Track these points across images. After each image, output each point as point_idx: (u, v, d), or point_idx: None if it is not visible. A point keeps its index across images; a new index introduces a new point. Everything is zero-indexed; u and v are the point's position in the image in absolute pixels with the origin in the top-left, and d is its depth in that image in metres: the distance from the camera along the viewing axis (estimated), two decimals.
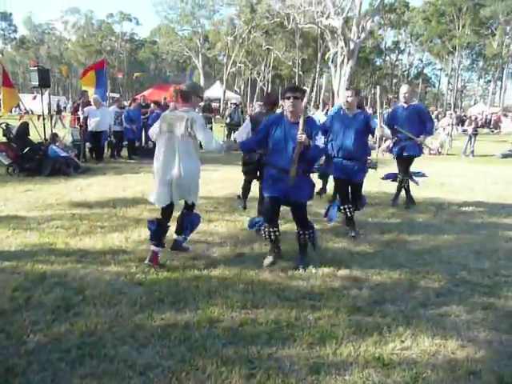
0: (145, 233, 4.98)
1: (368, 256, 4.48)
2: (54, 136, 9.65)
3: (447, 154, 15.50)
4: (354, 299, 3.47)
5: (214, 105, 31.88)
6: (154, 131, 4.08)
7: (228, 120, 15.20)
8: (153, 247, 4.03)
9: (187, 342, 2.79)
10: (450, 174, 10.31)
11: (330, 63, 23.35)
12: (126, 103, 16.58)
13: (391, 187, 8.40)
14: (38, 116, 11.48)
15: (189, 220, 4.25)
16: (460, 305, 3.42)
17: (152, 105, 13.08)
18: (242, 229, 5.30)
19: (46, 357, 2.58)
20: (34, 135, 10.11)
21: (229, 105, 25.91)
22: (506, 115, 35.55)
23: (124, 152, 12.13)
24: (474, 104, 55.06)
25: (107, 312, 3.14)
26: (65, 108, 29.52)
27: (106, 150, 11.83)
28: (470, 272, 4.12)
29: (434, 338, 2.93)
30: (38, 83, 10.35)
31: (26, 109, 12.94)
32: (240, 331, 2.95)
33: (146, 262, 3.99)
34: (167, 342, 2.78)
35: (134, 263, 4.07)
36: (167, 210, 4.10)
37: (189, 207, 4.19)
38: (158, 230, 4.04)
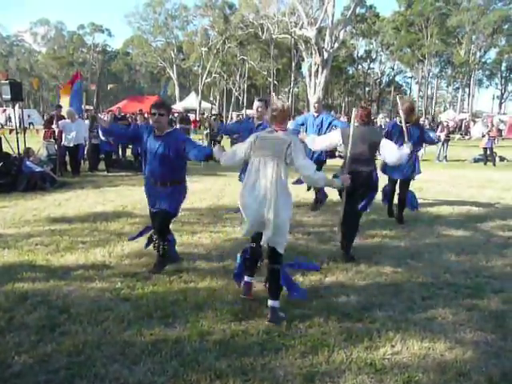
0: (128, 247, 4.92)
1: (353, 262, 4.52)
2: (28, 150, 9.40)
3: (422, 160, 15.86)
4: (342, 306, 3.50)
5: (191, 115, 31.82)
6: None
7: (208, 130, 15.21)
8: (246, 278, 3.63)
9: (179, 357, 2.75)
10: (426, 180, 10.51)
11: (306, 74, 23.70)
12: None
13: None
14: (11, 130, 11.23)
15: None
16: (445, 307, 3.50)
17: (138, 117, 12.99)
18: (226, 239, 5.29)
19: (34, 379, 2.50)
20: (7, 150, 9.87)
21: (205, 115, 25.93)
22: (474, 121, 36.76)
23: (101, 165, 11.94)
24: (444, 110, 56.75)
25: (94, 330, 3.06)
26: (31, 124, 28.36)
27: (82, 164, 11.62)
28: (452, 274, 4.22)
29: (423, 342, 2.98)
30: (9, 97, 10.12)
31: None
32: (232, 343, 2.92)
33: (242, 296, 3.57)
34: (158, 357, 2.74)
35: (118, 278, 3.99)
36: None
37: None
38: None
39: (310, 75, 23.07)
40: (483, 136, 16.89)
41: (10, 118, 24.20)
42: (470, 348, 2.91)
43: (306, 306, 3.49)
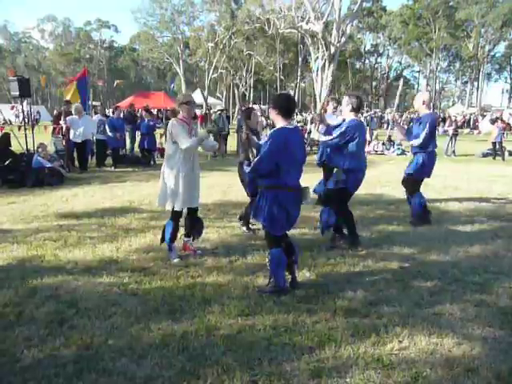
0: (135, 242, 4.95)
1: (360, 258, 4.51)
2: (40, 145, 9.46)
3: None
4: (349, 301, 3.49)
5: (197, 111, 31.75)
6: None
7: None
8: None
9: (186, 352, 2.76)
10: (433, 174, 10.40)
11: (315, 70, 23.62)
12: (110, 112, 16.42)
13: (378, 189, 8.52)
14: (19, 127, 11.32)
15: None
16: (453, 303, 3.47)
17: (144, 113, 12.99)
18: (233, 235, 5.30)
19: (43, 373, 2.53)
20: (16, 146, 9.95)
21: (211, 111, 25.91)
22: (483, 115, 36.37)
23: (108, 161, 12.01)
24: (453, 105, 56.21)
25: (102, 324, 3.09)
26: (37, 120, 28.49)
27: (90, 160, 11.68)
28: (460, 270, 4.18)
29: (431, 337, 2.96)
30: (18, 93, 10.20)
31: (5, 119, 12.68)
32: (239, 338, 2.93)
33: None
34: (166, 352, 2.75)
35: (126, 273, 4.01)
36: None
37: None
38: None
39: (317, 70, 22.94)
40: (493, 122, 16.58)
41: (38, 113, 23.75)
42: (478, 344, 2.89)
43: (312, 301, 3.49)
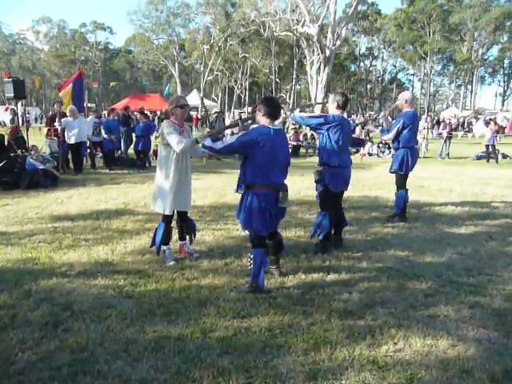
0: (130, 244, 4.94)
1: (355, 260, 4.53)
2: (32, 148, 9.42)
3: (424, 157, 15.85)
4: (344, 303, 3.50)
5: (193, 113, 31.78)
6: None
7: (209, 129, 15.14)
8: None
9: (182, 354, 2.75)
10: (428, 177, 10.53)
11: (310, 74, 23.73)
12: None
13: (372, 191, 8.56)
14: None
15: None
16: (448, 305, 3.49)
17: (138, 115, 12.94)
18: (228, 237, 5.30)
19: (37, 376, 2.51)
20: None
21: (209, 112, 26.00)
22: (477, 118, 36.63)
23: (102, 162, 11.96)
24: (447, 108, 56.58)
25: (97, 327, 3.07)
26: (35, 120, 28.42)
27: (84, 161, 11.64)
28: (455, 272, 4.21)
29: (426, 339, 2.98)
30: (13, 95, 10.15)
31: None
32: (234, 340, 2.93)
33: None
34: (161, 354, 2.74)
35: (121, 276, 4.00)
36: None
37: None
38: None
39: (313, 72, 23.06)
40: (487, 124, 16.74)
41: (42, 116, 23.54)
42: (473, 345, 2.91)
43: (308, 303, 3.49)
